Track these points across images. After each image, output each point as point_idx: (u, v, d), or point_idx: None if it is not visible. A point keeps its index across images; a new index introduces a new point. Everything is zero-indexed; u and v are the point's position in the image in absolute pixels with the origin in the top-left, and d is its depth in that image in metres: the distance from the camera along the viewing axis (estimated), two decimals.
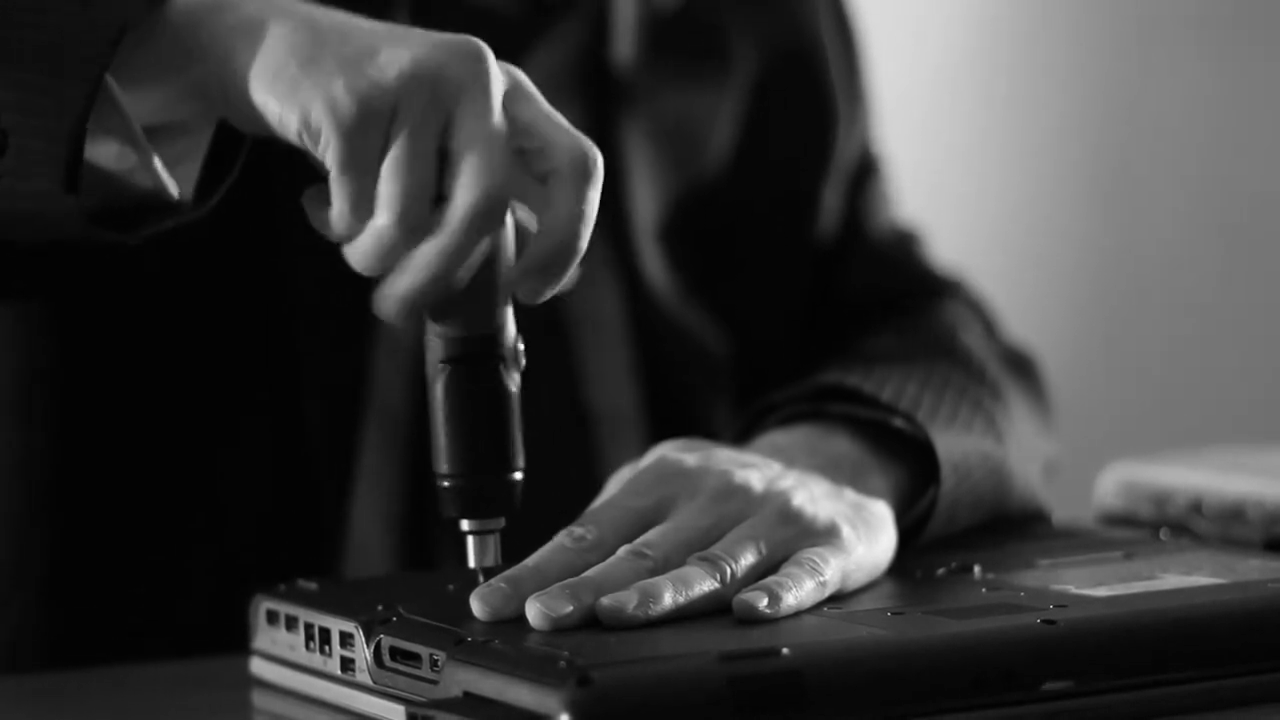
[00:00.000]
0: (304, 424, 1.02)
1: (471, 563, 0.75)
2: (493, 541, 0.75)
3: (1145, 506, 0.98)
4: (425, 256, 0.71)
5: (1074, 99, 2.35)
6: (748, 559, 0.75)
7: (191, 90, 0.75)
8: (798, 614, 0.74)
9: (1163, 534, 0.93)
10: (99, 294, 1.01)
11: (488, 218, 0.70)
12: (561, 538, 0.76)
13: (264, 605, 0.81)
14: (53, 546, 1.02)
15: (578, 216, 0.72)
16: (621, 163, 1.11)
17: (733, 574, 0.74)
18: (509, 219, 0.74)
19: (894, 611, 0.75)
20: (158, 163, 0.75)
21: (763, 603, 0.72)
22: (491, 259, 0.73)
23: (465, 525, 0.75)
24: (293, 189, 0.75)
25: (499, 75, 0.73)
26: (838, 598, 0.77)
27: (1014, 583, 0.80)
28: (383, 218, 0.71)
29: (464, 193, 0.70)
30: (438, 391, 0.73)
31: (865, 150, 1.24)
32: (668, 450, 0.83)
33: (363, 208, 0.71)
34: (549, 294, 0.72)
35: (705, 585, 0.73)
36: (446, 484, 0.74)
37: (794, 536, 0.77)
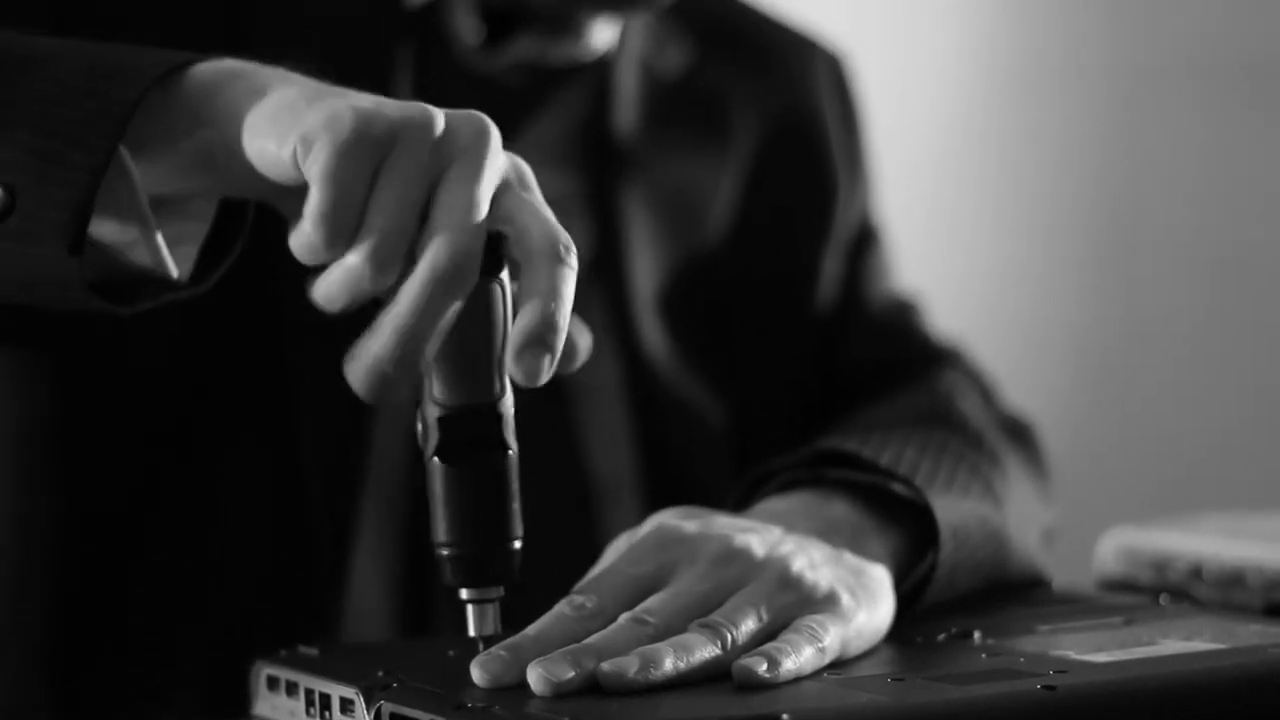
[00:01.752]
0: (303, 488, 1.02)
1: (471, 631, 0.75)
2: (492, 610, 0.75)
3: (1145, 572, 0.98)
4: (391, 316, 0.70)
5: (1070, 153, 2.35)
6: (748, 625, 0.75)
7: (196, 159, 0.75)
8: (797, 680, 0.74)
9: (1163, 599, 0.93)
10: (101, 361, 1.02)
11: (450, 283, 0.70)
12: (562, 606, 0.76)
13: (265, 670, 0.81)
14: (51, 609, 1.02)
15: (552, 298, 0.71)
16: (622, 231, 1.12)
17: (733, 640, 0.74)
18: (509, 289, 0.74)
19: (894, 677, 0.75)
20: (159, 239, 0.75)
21: (762, 668, 0.72)
22: (486, 327, 0.73)
23: (464, 594, 0.75)
24: (292, 263, 0.75)
25: (499, 152, 0.73)
26: (838, 664, 0.77)
27: (1014, 648, 0.79)
28: (354, 255, 0.70)
29: (430, 254, 0.70)
30: (434, 461, 0.74)
31: (865, 219, 1.25)
32: (666, 517, 0.83)
33: (332, 226, 0.70)
34: (544, 375, 0.71)
35: (706, 651, 0.73)
36: (445, 553, 0.74)
37: (794, 603, 0.77)
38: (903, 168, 2.24)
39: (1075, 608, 0.90)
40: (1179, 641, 0.80)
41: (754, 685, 0.72)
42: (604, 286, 1.11)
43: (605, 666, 0.71)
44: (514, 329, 0.71)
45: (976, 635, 0.82)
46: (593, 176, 1.13)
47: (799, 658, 0.74)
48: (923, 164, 2.26)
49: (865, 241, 1.24)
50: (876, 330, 1.20)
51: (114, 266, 0.76)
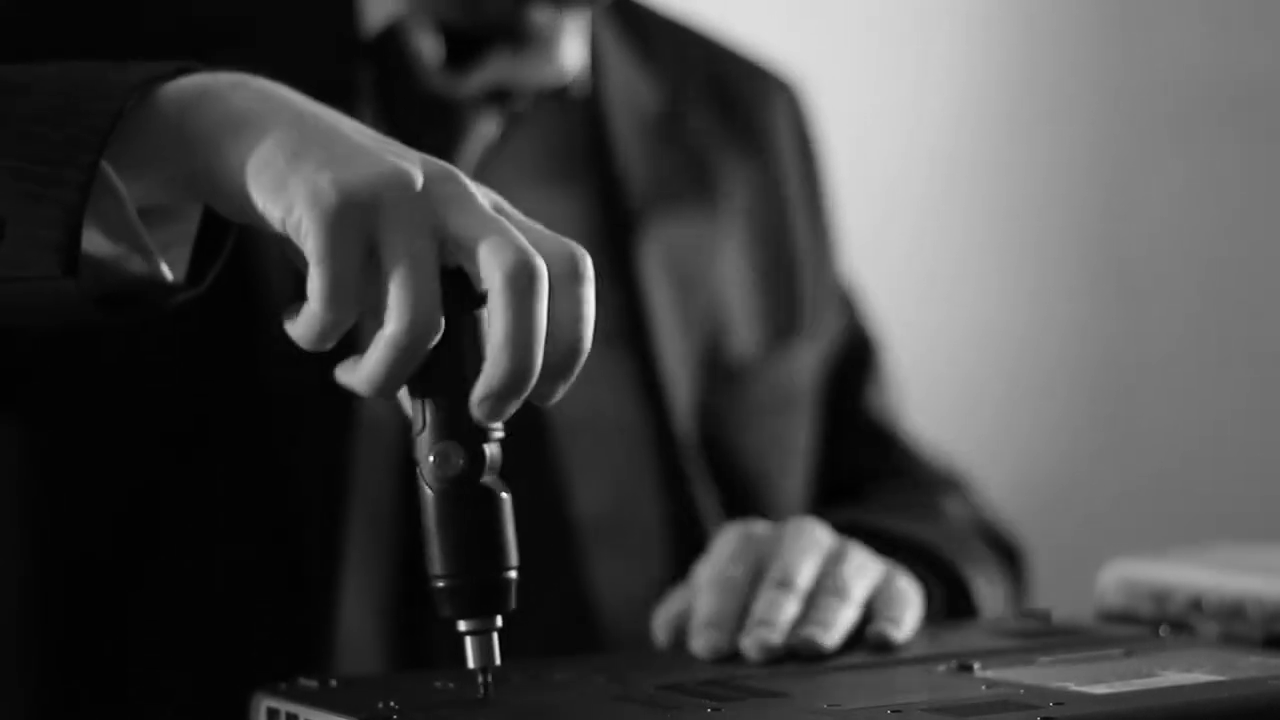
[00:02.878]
0: (290, 519, 1.02)
1: (471, 663, 0.75)
2: (491, 640, 0.75)
3: (1145, 604, 0.98)
4: (359, 375, 0.72)
5: (1063, 184, 2.36)
6: (863, 587, 0.90)
7: (182, 180, 0.75)
8: (798, 711, 0.74)
9: (1163, 631, 0.94)
10: (81, 403, 1.02)
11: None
12: (721, 580, 0.89)
13: (265, 703, 0.80)
14: (41, 641, 1.02)
15: (575, 319, 0.72)
16: (644, 299, 1.13)
17: (857, 601, 0.89)
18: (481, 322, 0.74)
19: (894, 709, 0.75)
20: (150, 244, 0.76)
21: (893, 631, 0.88)
22: (472, 359, 0.73)
23: (463, 626, 0.75)
24: (270, 293, 0.75)
25: (477, 190, 0.73)
26: (837, 696, 0.77)
27: (1014, 680, 0.79)
28: (392, 325, 0.71)
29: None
30: (428, 493, 0.74)
31: (859, 334, 1.26)
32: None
33: (338, 299, 0.71)
34: (503, 417, 0.72)
35: (847, 615, 0.88)
36: (442, 585, 0.74)
37: (883, 575, 0.93)
38: (893, 198, 2.24)
39: (1075, 639, 0.91)
40: (1179, 673, 0.80)
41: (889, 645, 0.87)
42: (630, 353, 1.12)
43: (804, 633, 0.85)
44: (481, 374, 0.71)
45: (976, 666, 0.82)
46: (606, 234, 1.13)
47: (907, 622, 0.89)
48: (913, 195, 2.26)
49: (860, 355, 1.27)
50: (869, 444, 1.26)
51: (109, 280, 0.76)
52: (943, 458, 1.27)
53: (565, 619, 1.09)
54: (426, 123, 1.07)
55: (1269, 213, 2.37)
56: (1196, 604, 0.96)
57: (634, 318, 1.13)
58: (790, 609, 0.88)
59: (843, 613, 0.89)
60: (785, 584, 0.89)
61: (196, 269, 0.79)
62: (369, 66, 1.07)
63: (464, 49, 1.09)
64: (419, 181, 0.72)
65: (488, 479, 0.74)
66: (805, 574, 0.90)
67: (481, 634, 0.74)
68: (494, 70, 1.09)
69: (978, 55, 2.29)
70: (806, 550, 0.92)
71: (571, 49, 1.12)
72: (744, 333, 1.18)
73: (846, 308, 1.28)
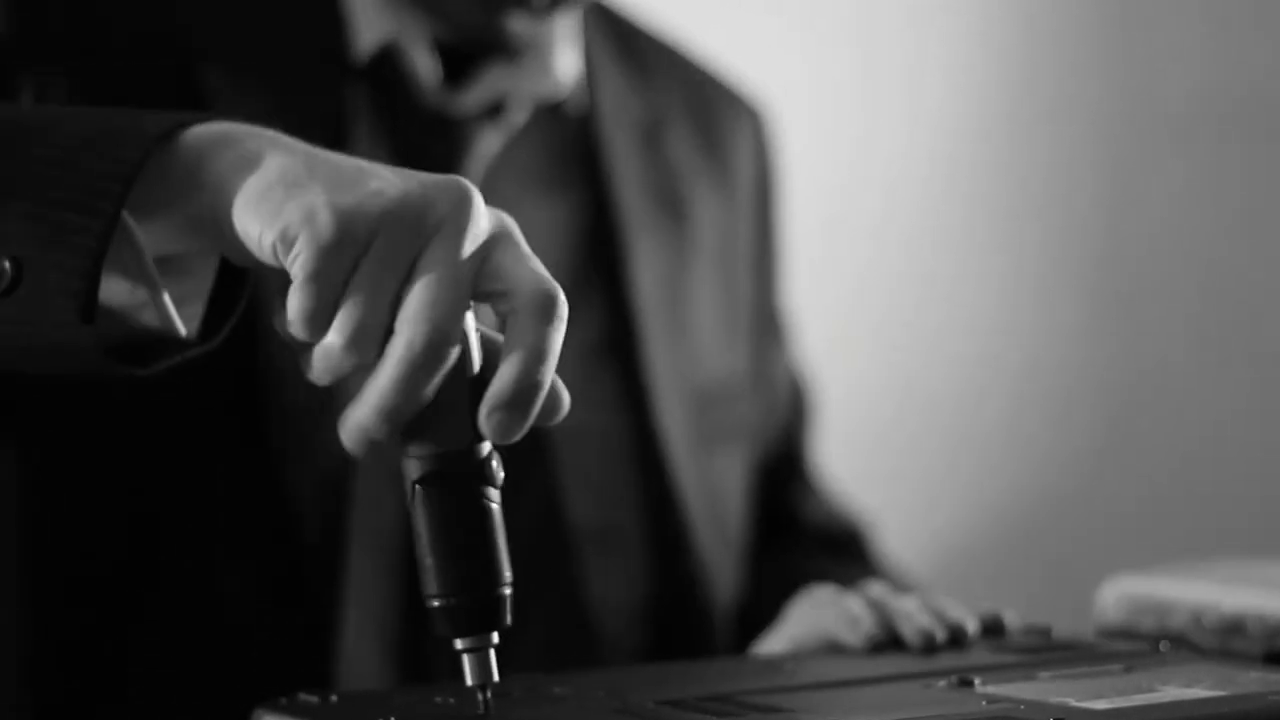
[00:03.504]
0: (292, 541, 1.03)
1: (469, 680, 0.75)
2: (489, 657, 0.75)
3: (1146, 619, 0.98)
4: (373, 390, 0.70)
5: (1067, 199, 2.36)
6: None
7: (191, 223, 0.75)
8: None
9: (1163, 646, 0.93)
10: (85, 426, 1.02)
11: (430, 353, 0.70)
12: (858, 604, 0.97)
13: (266, 718, 0.80)
14: (43, 661, 1.02)
15: (537, 355, 0.71)
16: (635, 314, 1.14)
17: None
18: (473, 336, 0.74)
19: None
20: (166, 299, 0.75)
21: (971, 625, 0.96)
22: (458, 374, 0.73)
23: (459, 644, 0.75)
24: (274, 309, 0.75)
25: (483, 219, 0.73)
26: (839, 714, 0.78)
27: (1014, 695, 0.79)
28: (333, 337, 0.70)
29: (407, 334, 0.70)
30: (418, 512, 0.74)
31: (796, 387, 1.32)
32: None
33: (316, 322, 0.71)
34: (516, 435, 0.72)
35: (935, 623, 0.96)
36: (436, 604, 0.74)
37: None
38: (895, 216, 2.24)
39: (1075, 654, 0.90)
40: (1179, 689, 0.80)
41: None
42: (619, 364, 1.14)
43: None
44: (493, 385, 0.71)
45: (977, 682, 0.82)
46: (598, 244, 1.14)
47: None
48: (912, 198, 2.26)
49: (800, 403, 1.32)
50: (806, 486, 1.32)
51: (123, 330, 0.76)
52: (850, 505, 1.34)
53: (562, 625, 1.10)
54: (429, 139, 1.08)
55: (1270, 217, 2.37)
56: (1197, 619, 0.96)
57: (623, 329, 1.14)
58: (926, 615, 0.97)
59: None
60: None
61: (209, 324, 0.79)
62: (364, 88, 1.07)
63: (460, 65, 1.09)
64: (422, 206, 0.71)
65: (480, 497, 0.74)
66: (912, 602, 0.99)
67: (478, 651, 0.74)
68: (490, 84, 1.09)
69: (977, 59, 2.30)
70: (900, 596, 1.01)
71: (564, 60, 1.13)
72: (711, 362, 1.20)
73: (786, 356, 1.32)
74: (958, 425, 2.25)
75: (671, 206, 1.19)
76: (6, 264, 0.72)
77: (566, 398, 0.76)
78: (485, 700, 0.75)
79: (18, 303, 0.72)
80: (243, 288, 0.78)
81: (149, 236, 0.75)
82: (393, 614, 1.04)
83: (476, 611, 0.74)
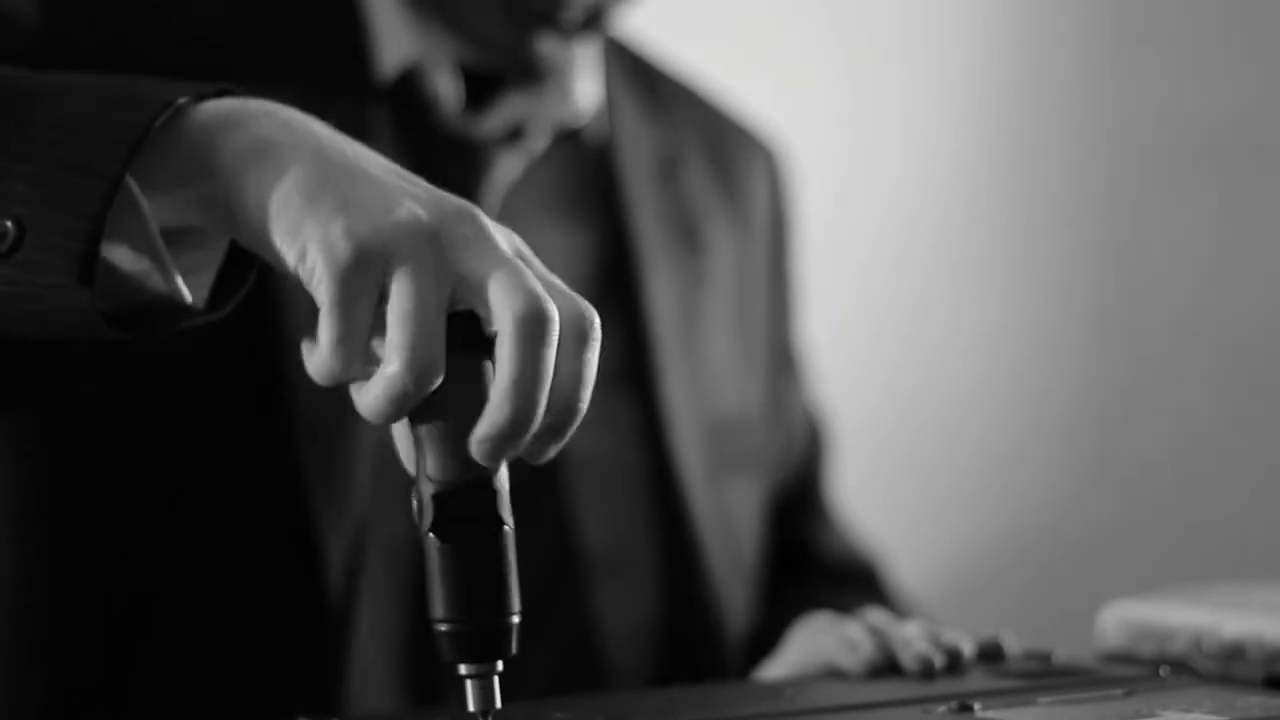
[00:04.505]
0: (306, 561, 1.03)
1: (471, 706, 0.75)
2: (492, 685, 0.75)
3: (1146, 644, 0.98)
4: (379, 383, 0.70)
5: (1070, 224, 2.36)
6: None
7: (202, 203, 0.74)
8: None
9: (1163, 671, 0.94)
10: (100, 437, 1.02)
11: (538, 326, 0.70)
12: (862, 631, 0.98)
13: None
14: (52, 677, 1.02)
15: (577, 380, 0.72)
16: (650, 339, 1.14)
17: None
18: (489, 366, 0.73)
19: None
20: (172, 266, 0.75)
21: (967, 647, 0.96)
22: (475, 404, 0.72)
23: (464, 670, 0.75)
24: (293, 311, 0.75)
25: (499, 234, 0.73)
26: None
27: None
28: (393, 364, 0.70)
29: (505, 311, 0.70)
30: (430, 538, 0.74)
31: (813, 423, 1.32)
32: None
33: (347, 347, 0.71)
34: (501, 462, 0.72)
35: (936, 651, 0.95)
36: (444, 629, 0.74)
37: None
38: (901, 244, 2.25)
39: (1076, 679, 0.91)
40: (1179, 713, 0.80)
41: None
42: (634, 392, 1.14)
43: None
44: (485, 415, 0.71)
45: (977, 707, 0.82)
46: (615, 272, 1.15)
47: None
48: (921, 239, 2.27)
49: (818, 438, 1.33)
50: (824, 521, 1.32)
51: (130, 295, 0.76)
52: (866, 540, 1.34)
53: (570, 645, 1.10)
54: (448, 162, 1.08)
55: (1266, 249, 2.37)
56: (1197, 644, 0.96)
57: (639, 357, 1.14)
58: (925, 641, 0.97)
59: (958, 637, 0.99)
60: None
61: (219, 295, 0.79)
62: (385, 109, 1.08)
63: (481, 89, 1.10)
64: (434, 228, 0.71)
65: (492, 525, 0.74)
66: (912, 628, 0.99)
67: (482, 678, 0.74)
68: (511, 109, 1.10)
69: (989, 99, 2.30)
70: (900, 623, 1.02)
71: (585, 88, 1.14)
72: (726, 393, 1.20)
73: (803, 392, 1.32)
74: (957, 450, 2.25)
75: (688, 238, 1.19)
76: (9, 224, 0.72)
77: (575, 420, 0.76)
78: None
79: (19, 264, 0.72)
80: (254, 259, 0.78)
81: (159, 208, 0.74)
82: (407, 635, 1.05)
83: (482, 639, 0.74)
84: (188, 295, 0.76)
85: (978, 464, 2.25)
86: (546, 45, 1.09)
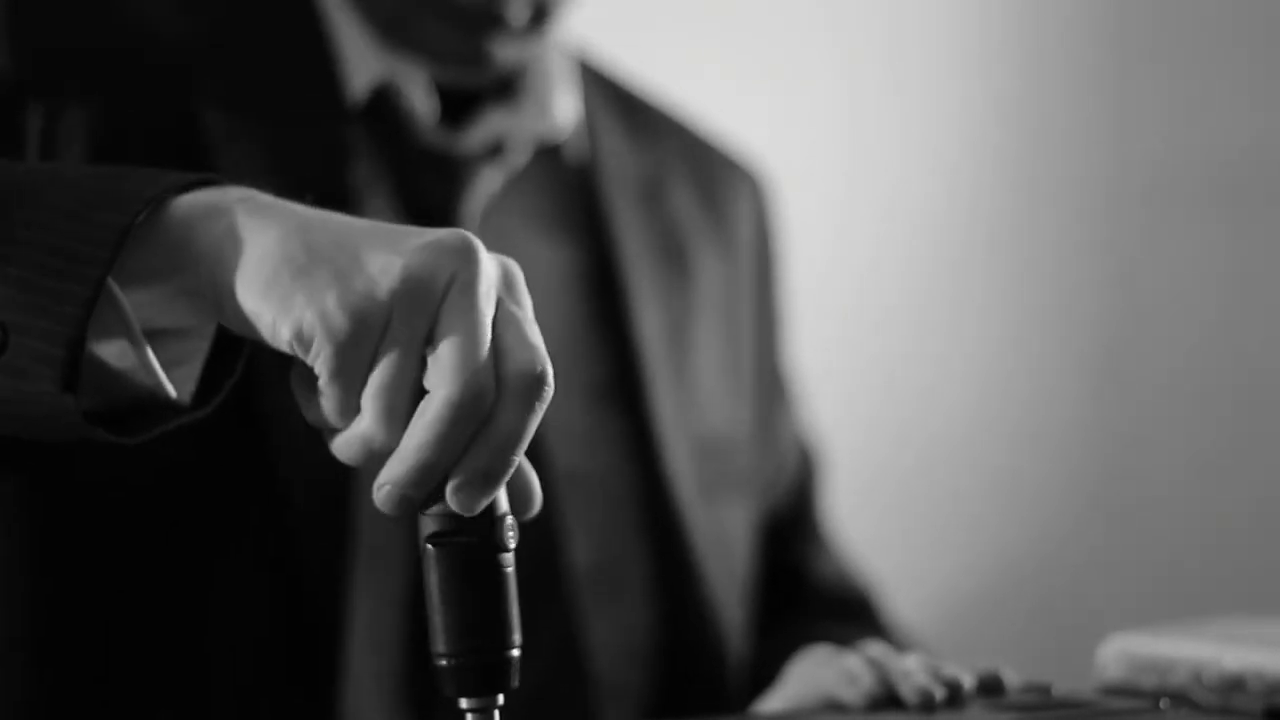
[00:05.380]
0: (297, 587, 1.03)
1: None
2: (492, 718, 0.75)
3: (1146, 677, 0.98)
4: (410, 448, 0.70)
5: (1071, 261, 2.36)
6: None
7: (186, 294, 0.74)
8: None
9: (1163, 704, 0.93)
10: (87, 472, 1.02)
11: (465, 409, 0.70)
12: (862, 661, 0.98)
13: None
14: (43, 709, 1.02)
15: (512, 437, 0.71)
16: (639, 359, 1.14)
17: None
18: None
19: None
20: (154, 362, 0.75)
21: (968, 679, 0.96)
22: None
23: (464, 704, 0.75)
24: (274, 370, 0.75)
25: (490, 271, 0.72)
26: None
27: None
28: (365, 424, 0.70)
29: (441, 388, 0.70)
30: (430, 570, 0.74)
31: (804, 450, 1.32)
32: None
33: (349, 413, 0.71)
34: (479, 508, 0.71)
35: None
36: (444, 664, 0.74)
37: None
38: (898, 271, 2.25)
39: (1076, 712, 0.90)
40: None
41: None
42: (623, 409, 1.14)
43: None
44: (465, 459, 0.71)
45: None
46: (601, 288, 1.15)
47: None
48: (921, 274, 2.27)
49: (810, 465, 1.33)
50: (820, 549, 1.32)
51: (119, 391, 0.75)
52: (861, 570, 1.34)
53: (559, 664, 1.10)
54: (429, 178, 1.10)
55: (1268, 283, 2.38)
56: (1197, 677, 0.96)
57: (628, 373, 1.15)
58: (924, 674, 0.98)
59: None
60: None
61: (207, 385, 0.78)
62: (362, 128, 1.09)
63: (460, 105, 1.11)
64: (426, 288, 0.71)
65: (492, 559, 0.74)
66: (911, 661, 0.99)
67: (483, 712, 0.74)
68: (490, 124, 1.11)
69: (992, 133, 2.30)
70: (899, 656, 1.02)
71: (563, 102, 1.15)
72: (715, 413, 1.20)
73: (793, 416, 1.32)
74: (955, 478, 2.24)
75: (673, 258, 1.20)
76: None
77: (537, 494, 0.76)
78: None
79: (3, 369, 0.71)
80: (241, 351, 0.78)
81: (142, 305, 0.74)
82: (397, 663, 1.05)
83: (483, 672, 0.74)
84: (171, 391, 0.76)
85: (975, 492, 2.25)
86: (504, 50, 1.09)
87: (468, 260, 0.71)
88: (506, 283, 0.74)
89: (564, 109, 1.15)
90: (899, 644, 1.19)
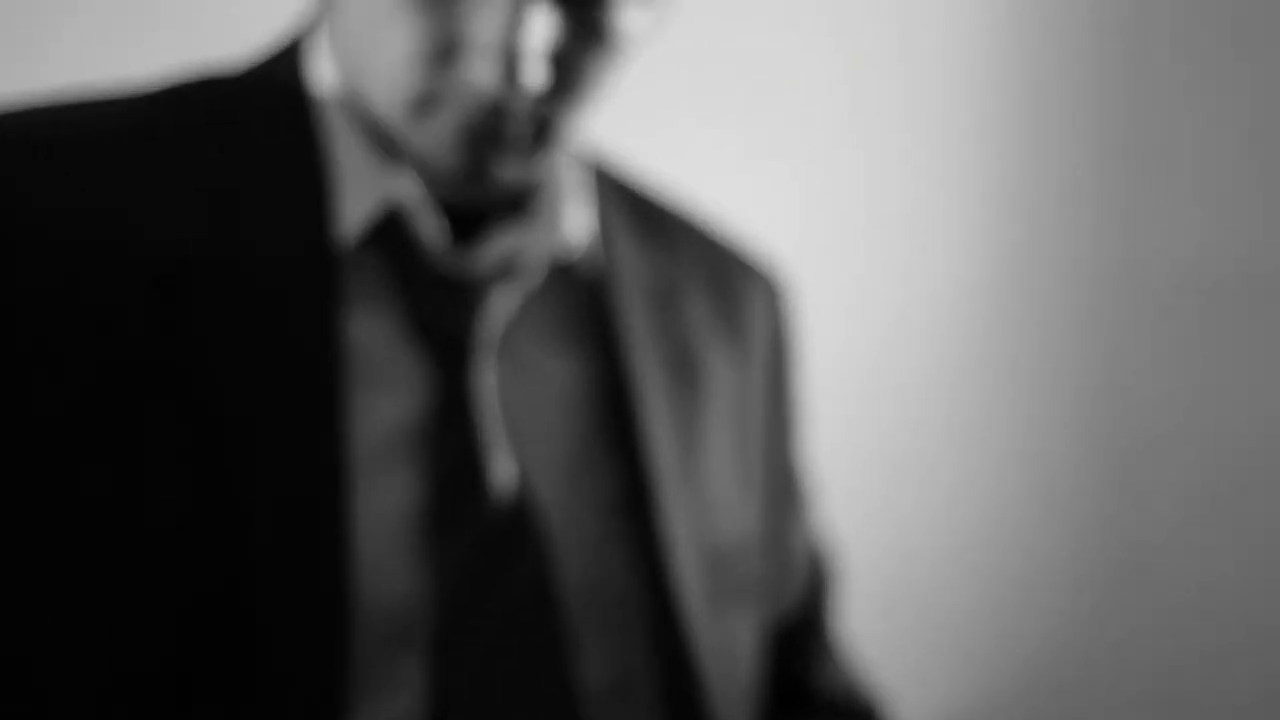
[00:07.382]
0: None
1: None
2: None
3: None
4: None
5: (1070, 360, 2.37)
6: None
7: None
8: None
9: None
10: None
11: None
12: None
13: None
14: None
15: None
16: (652, 475, 1.14)
17: None
18: None
19: None
20: None
21: None
22: None
23: None
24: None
25: None
26: None
27: None
28: None
29: None
30: None
31: (817, 558, 1.32)
32: None
33: None
34: None
35: None
36: None
37: None
38: (894, 382, 2.25)
39: None
40: None
41: None
42: (634, 523, 1.13)
43: None
44: None
45: None
46: (613, 402, 1.15)
47: None
48: (916, 381, 2.27)
49: (823, 562, 1.32)
50: (826, 660, 1.31)
51: None
52: (869, 682, 1.33)
53: None
54: (443, 302, 1.08)
55: (1269, 391, 2.38)
56: None
57: (638, 490, 1.14)
58: None
59: None
60: None
61: None
62: (367, 259, 1.06)
63: (471, 227, 1.09)
64: None
65: None
66: None
67: None
68: (502, 244, 1.10)
69: (976, 233, 2.31)
70: None
71: (576, 218, 1.14)
72: (725, 523, 1.19)
73: (805, 523, 1.32)
74: (959, 606, 2.24)
75: (686, 369, 1.20)
76: None
77: None
78: None
79: None
80: None
81: None
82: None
83: None
84: None
85: (985, 608, 2.25)
86: (508, 170, 1.08)
87: None
88: None
89: (577, 224, 1.14)
90: None
